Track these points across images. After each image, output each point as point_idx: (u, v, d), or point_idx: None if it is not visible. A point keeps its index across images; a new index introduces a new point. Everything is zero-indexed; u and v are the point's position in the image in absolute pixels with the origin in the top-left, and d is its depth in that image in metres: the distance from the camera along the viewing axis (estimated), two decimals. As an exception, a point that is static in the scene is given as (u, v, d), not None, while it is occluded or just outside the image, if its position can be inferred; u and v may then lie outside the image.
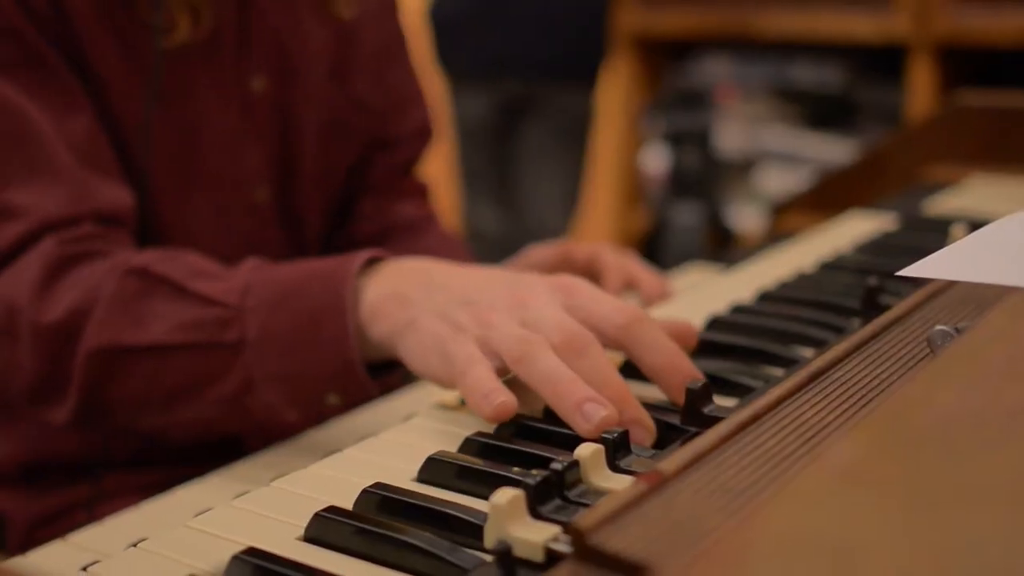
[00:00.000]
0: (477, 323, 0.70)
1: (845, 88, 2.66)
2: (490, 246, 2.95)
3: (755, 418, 0.54)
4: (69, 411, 0.84)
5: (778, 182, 2.69)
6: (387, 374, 0.79)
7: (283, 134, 1.03)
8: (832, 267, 0.97)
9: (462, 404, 0.72)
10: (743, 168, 2.77)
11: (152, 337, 0.80)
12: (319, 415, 0.82)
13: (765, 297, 0.89)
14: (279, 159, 1.04)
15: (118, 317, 0.81)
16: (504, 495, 0.49)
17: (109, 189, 0.89)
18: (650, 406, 0.65)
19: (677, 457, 0.49)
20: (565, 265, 1.01)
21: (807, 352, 0.76)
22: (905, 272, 0.62)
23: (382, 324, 0.75)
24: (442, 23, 2.94)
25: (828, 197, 1.46)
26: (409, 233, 1.16)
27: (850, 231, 1.11)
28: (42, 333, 0.83)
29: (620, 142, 2.89)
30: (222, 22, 0.97)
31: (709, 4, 2.66)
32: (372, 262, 0.79)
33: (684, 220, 2.35)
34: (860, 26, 2.46)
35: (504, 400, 0.64)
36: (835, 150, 2.62)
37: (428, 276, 0.75)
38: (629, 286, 0.98)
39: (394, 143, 1.15)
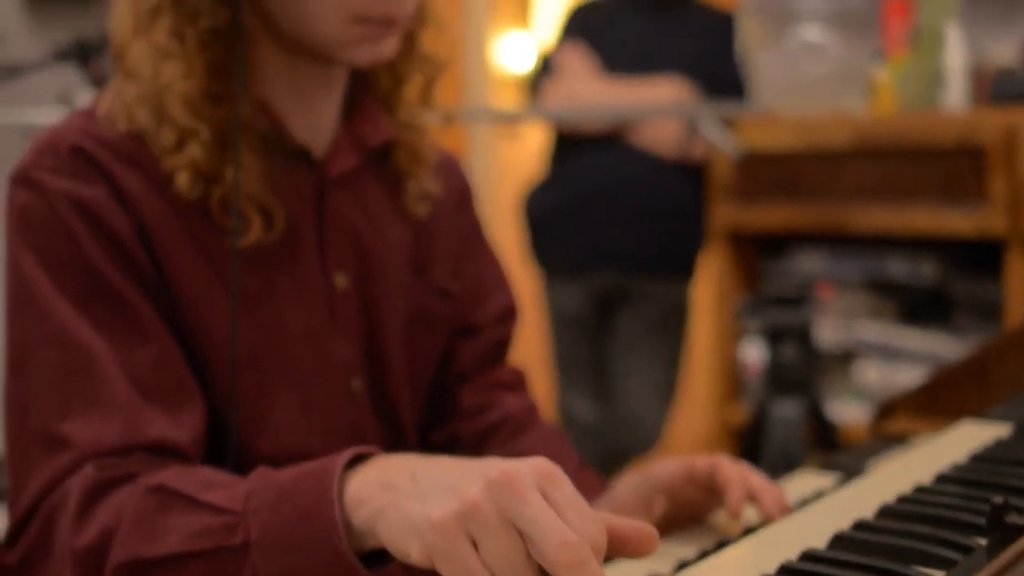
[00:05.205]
0: (459, 504, 0.70)
1: (940, 282, 2.68)
2: (584, 435, 2.97)
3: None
4: None
5: (877, 376, 2.69)
6: (384, 566, 0.81)
7: (368, 327, 1.08)
8: (951, 480, 0.98)
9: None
10: (842, 361, 2.77)
11: (168, 548, 0.85)
12: None
13: (886, 513, 0.90)
14: (367, 351, 1.08)
15: (137, 532, 0.86)
16: None
17: (165, 422, 0.94)
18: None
19: None
20: (689, 480, 1.03)
21: (934, 573, 0.77)
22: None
23: (364, 509, 0.78)
24: (536, 218, 3.02)
25: (933, 400, 1.46)
26: (512, 430, 1.19)
27: (964, 441, 1.12)
28: (78, 555, 0.87)
29: (717, 335, 2.92)
30: (300, 223, 1.03)
31: (804, 201, 2.71)
32: (361, 458, 0.82)
33: (784, 414, 2.35)
34: (954, 222, 2.48)
35: None
36: (933, 344, 2.62)
37: (411, 466, 0.79)
38: (749, 499, 1.00)
39: (480, 328, 1.19)
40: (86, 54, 1.93)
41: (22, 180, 0.97)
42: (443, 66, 1.13)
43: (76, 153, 0.97)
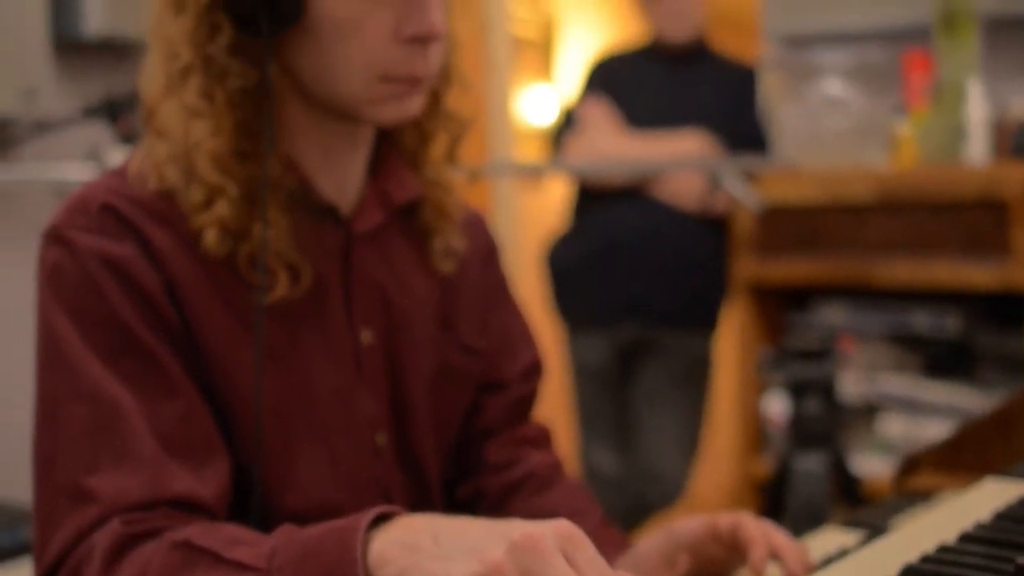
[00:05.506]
0: (483, 566, 0.71)
1: (964, 335, 2.67)
2: (607, 487, 2.95)
3: None
4: None
5: (901, 429, 2.68)
6: None
7: (394, 382, 1.09)
8: (974, 539, 0.98)
9: None
10: (865, 415, 2.76)
11: None
12: None
13: (909, 573, 0.90)
14: (393, 405, 1.09)
15: None
16: None
17: (190, 477, 0.95)
18: None
19: None
20: (712, 538, 1.03)
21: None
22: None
23: (387, 570, 0.78)
24: (559, 271, 3.03)
25: (957, 456, 1.46)
26: (536, 487, 1.19)
27: (988, 499, 1.11)
28: None
29: (740, 388, 2.92)
30: (326, 280, 1.04)
31: (826, 254, 2.71)
32: (385, 517, 0.83)
33: (808, 467, 2.34)
34: (977, 275, 2.48)
35: None
36: (957, 397, 2.61)
37: (435, 526, 0.79)
38: (773, 557, 1.00)
39: (506, 384, 1.20)
40: (115, 111, 1.96)
41: (54, 238, 0.99)
42: (468, 124, 1.14)
43: (107, 211, 0.99)
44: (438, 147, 1.14)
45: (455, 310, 1.16)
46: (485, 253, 1.22)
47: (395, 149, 1.14)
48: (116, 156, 1.92)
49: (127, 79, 1.52)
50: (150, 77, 1.04)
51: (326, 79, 1.01)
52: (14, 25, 2.38)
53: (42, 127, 2.25)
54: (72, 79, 2.58)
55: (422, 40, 1.00)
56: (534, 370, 1.23)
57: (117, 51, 2.60)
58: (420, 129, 1.13)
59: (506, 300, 1.24)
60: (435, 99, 1.12)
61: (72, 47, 2.58)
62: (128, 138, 1.96)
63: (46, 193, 2.05)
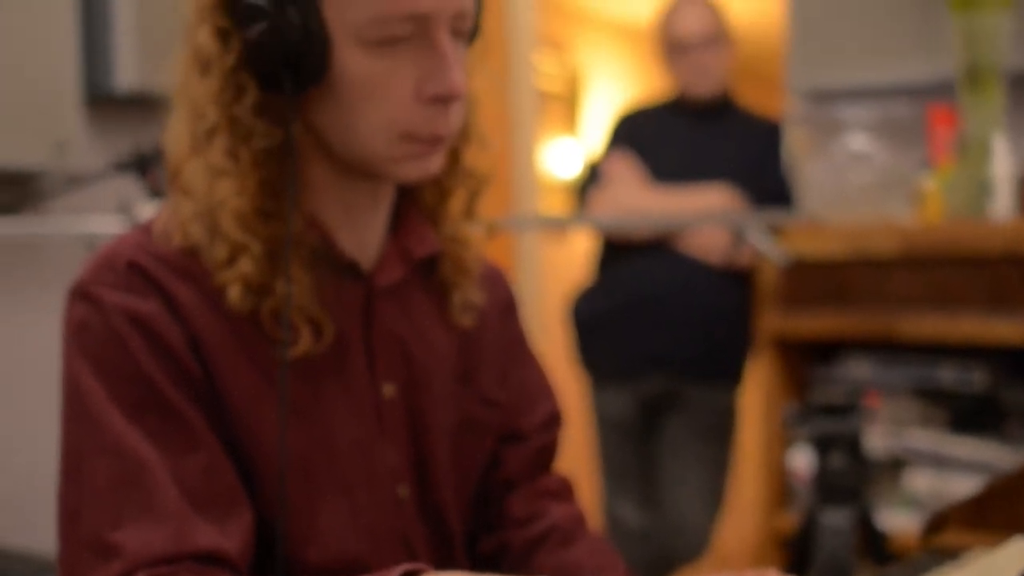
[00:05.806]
0: None
1: (990, 390, 2.65)
2: (631, 540, 2.94)
3: None
4: None
5: (928, 484, 2.66)
6: None
7: (415, 435, 1.09)
8: (998, 599, 0.97)
9: None
10: (892, 470, 2.74)
11: None
12: None
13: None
14: (414, 458, 1.09)
15: None
16: None
17: (214, 531, 0.95)
18: None
19: None
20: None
21: None
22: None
23: None
24: (584, 323, 3.03)
25: (984, 513, 1.45)
26: (560, 540, 1.19)
27: (1015, 560, 1.10)
28: None
29: (765, 442, 2.90)
30: (348, 334, 1.05)
31: (852, 308, 2.70)
32: (412, 574, 0.84)
33: (833, 523, 2.32)
34: (1003, 330, 2.47)
35: None
36: (984, 452, 2.59)
37: None
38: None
39: (525, 436, 1.20)
40: (144, 165, 1.99)
41: (81, 295, 1.00)
42: (486, 180, 1.15)
43: (132, 269, 1.00)
44: (457, 203, 1.15)
45: (474, 363, 1.17)
46: (504, 307, 1.23)
47: (415, 205, 1.15)
48: (146, 210, 1.95)
49: (157, 133, 1.55)
50: (175, 136, 1.05)
51: (348, 138, 1.03)
52: (46, 79, 2.42)
53: (73, 180, 2.28)
54: (103, 133, 2.62)
55: (443, 100, 1.01)
56: (553, 421, 1.24)
57: (148, 105, 2.62)
58: (440, 186, 1.14)
59: (524, 353, 1.25)
60: (454, 156, 1.13)
61: (103, 101, 2.61)
62: (157, 192, 1.99)
63: (77, 246, 2.07)
